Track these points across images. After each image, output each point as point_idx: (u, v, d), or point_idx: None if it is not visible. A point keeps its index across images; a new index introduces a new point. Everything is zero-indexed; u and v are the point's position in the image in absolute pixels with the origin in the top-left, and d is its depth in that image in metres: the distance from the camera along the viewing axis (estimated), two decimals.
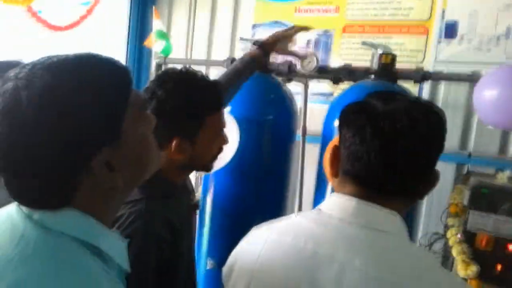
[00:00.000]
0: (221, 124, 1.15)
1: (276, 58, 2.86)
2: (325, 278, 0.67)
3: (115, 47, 3.11)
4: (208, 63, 2.92)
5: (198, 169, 1.20)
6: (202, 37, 3.24)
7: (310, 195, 2.02)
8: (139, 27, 3.12)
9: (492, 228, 1.48)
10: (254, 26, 3.08)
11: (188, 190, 1.27)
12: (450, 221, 1.53)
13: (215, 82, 1.16)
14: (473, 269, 1.46)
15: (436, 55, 2.51)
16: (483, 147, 2.34)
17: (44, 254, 0.53)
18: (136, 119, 0.60)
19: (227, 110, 1.71)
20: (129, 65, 3.07)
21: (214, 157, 1.17)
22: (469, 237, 1.50)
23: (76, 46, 2.71)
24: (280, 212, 1.95)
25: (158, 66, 2.34)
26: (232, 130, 1.66)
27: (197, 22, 3.27)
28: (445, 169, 2.28)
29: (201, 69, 3.10)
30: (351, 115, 0.76)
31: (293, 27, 1.71)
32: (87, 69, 0.56)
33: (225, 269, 0.84)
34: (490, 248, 1.49)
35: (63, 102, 0.53)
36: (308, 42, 2.88)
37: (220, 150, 1.17)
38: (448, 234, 1.52)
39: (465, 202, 1.52)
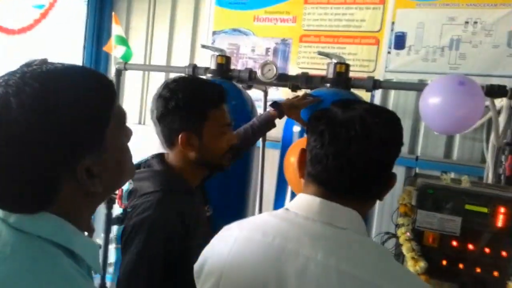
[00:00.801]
0: (225, 120, 1.21)
1: (236, 66, 2.92)
2: (290, 271, 0.73)
3: (71, 52, 3.04)
4: (169, 69, 2.92)
5: (212, 168, 1.25)
6: (162, 43, 3.24)
7: (270, 198, 2.08)
8: (96, 32, 3.08)
9: (438, 226, 1.59)
10: (214, 33, 3.13)
11: (203, 200, 1.31)
12: (400, 221, 1.63)
13: (216, 83, 1.26)
14: (422, 265, 1.57)
15: (387, 65, 2.66)
16: (430, 151, 2.51)
17: (22, 255, 0.55)
18: (117, 130, 0.64)
19: None
20: None
21: (225, 154, 1.22)
22: (417, 235, 1.60)
23: (31, 49, 2.63)
24: (241, 215, 2.00)
25: (118, 71, 2.33)
26: None
27: (156, 27, 3.28)
28: (395, 172, 2.41)
29: (161, 75, 3.12)
30: (315, 121, 0.81)
31: (307, 95, 1.82)
32: (76, 81, 0.59)
33: (196, 266, 0.87)
34: (437, 244, 1.60)
35: (51, 111, 0.55)
36: (268, 50, 2.97)
37: (230, 147, 1.23)
38: (399, 233, 1.62)
39: (414, 202, 1.62)
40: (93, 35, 3.07)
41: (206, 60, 2.96)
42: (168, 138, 1.18)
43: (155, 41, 3.27)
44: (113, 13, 2.56)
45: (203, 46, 2.13)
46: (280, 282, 0.73)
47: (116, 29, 2.38)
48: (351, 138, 0.75)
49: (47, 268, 0.55)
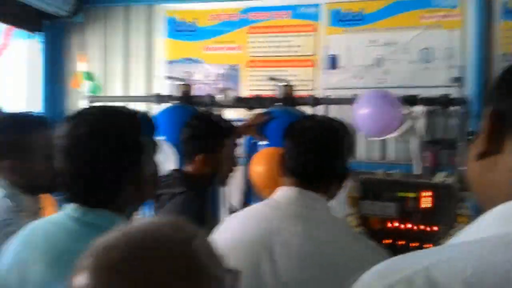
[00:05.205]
0: (233, 147, 1.69)
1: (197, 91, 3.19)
2: (278, 243, 1.00)
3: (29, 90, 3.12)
4: (135, 99, 3.07)
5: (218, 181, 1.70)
6: (117, 75, 3.42)
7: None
8: (56, 69, 3.15)
9: (379, 212, 1.95)
10: (169, 62, 3.37)
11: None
12: (350, 210, 1.98)
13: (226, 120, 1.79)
14: None
15: (323, 83, 3.07)
16: (369, 154, 2.92)
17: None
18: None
19: (163, 139, 2.00)
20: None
21: (230, 171, 1.68)
22: (364, 221, 1.95)
23: None
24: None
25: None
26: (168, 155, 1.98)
27: (110, 60, 3.45)
28: None
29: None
30: (288, 131, 1.15)
31: (259, 115, 2.22)
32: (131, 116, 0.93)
33: None
34: (379, 227, 1.96)
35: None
36: (219, 75, 3.27)
37: (233, 168, 1.71)
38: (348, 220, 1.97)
39: (358, 194, 1.98)
40: (50, 73, 3.12)
41: (162, 88, 3.21)
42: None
43: (110, 73, 3.43)
44: (77, 53, 2.75)
45: (166, 77, 2.39)
46: (270, 252, 1.00)
47: (84, 66, 2.58)
48: (310, 141, 1.09)
49: None
